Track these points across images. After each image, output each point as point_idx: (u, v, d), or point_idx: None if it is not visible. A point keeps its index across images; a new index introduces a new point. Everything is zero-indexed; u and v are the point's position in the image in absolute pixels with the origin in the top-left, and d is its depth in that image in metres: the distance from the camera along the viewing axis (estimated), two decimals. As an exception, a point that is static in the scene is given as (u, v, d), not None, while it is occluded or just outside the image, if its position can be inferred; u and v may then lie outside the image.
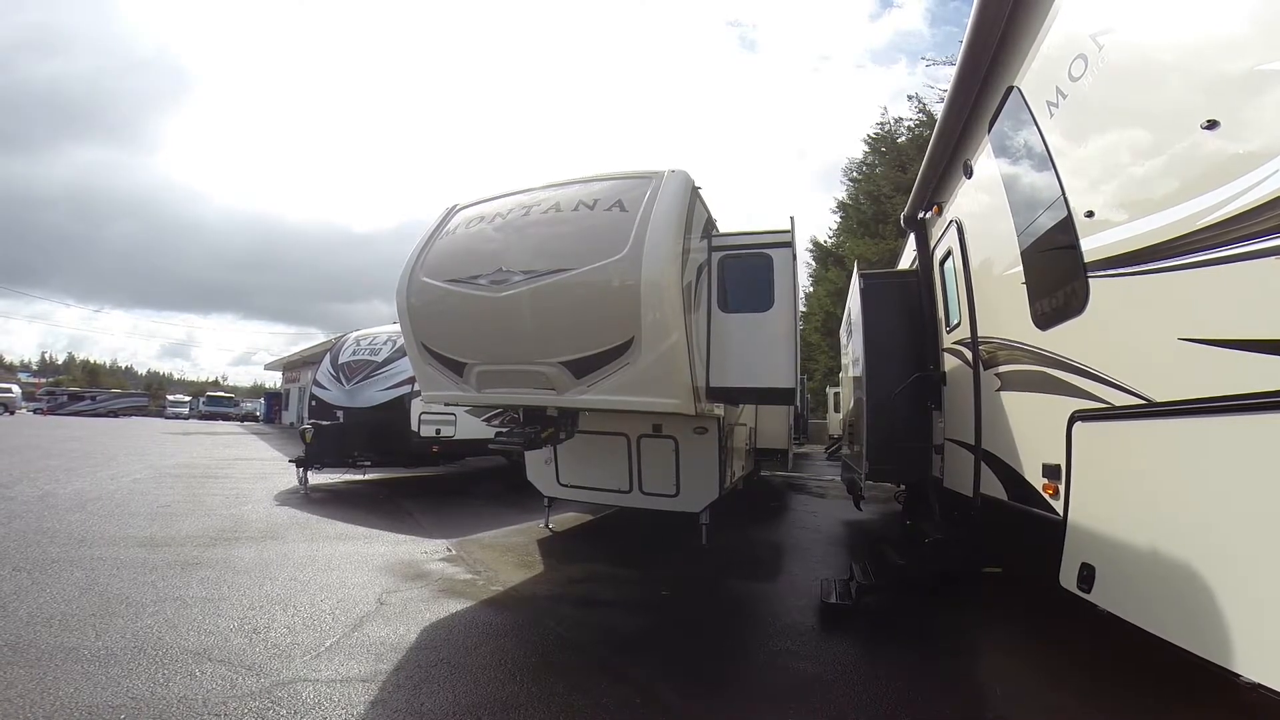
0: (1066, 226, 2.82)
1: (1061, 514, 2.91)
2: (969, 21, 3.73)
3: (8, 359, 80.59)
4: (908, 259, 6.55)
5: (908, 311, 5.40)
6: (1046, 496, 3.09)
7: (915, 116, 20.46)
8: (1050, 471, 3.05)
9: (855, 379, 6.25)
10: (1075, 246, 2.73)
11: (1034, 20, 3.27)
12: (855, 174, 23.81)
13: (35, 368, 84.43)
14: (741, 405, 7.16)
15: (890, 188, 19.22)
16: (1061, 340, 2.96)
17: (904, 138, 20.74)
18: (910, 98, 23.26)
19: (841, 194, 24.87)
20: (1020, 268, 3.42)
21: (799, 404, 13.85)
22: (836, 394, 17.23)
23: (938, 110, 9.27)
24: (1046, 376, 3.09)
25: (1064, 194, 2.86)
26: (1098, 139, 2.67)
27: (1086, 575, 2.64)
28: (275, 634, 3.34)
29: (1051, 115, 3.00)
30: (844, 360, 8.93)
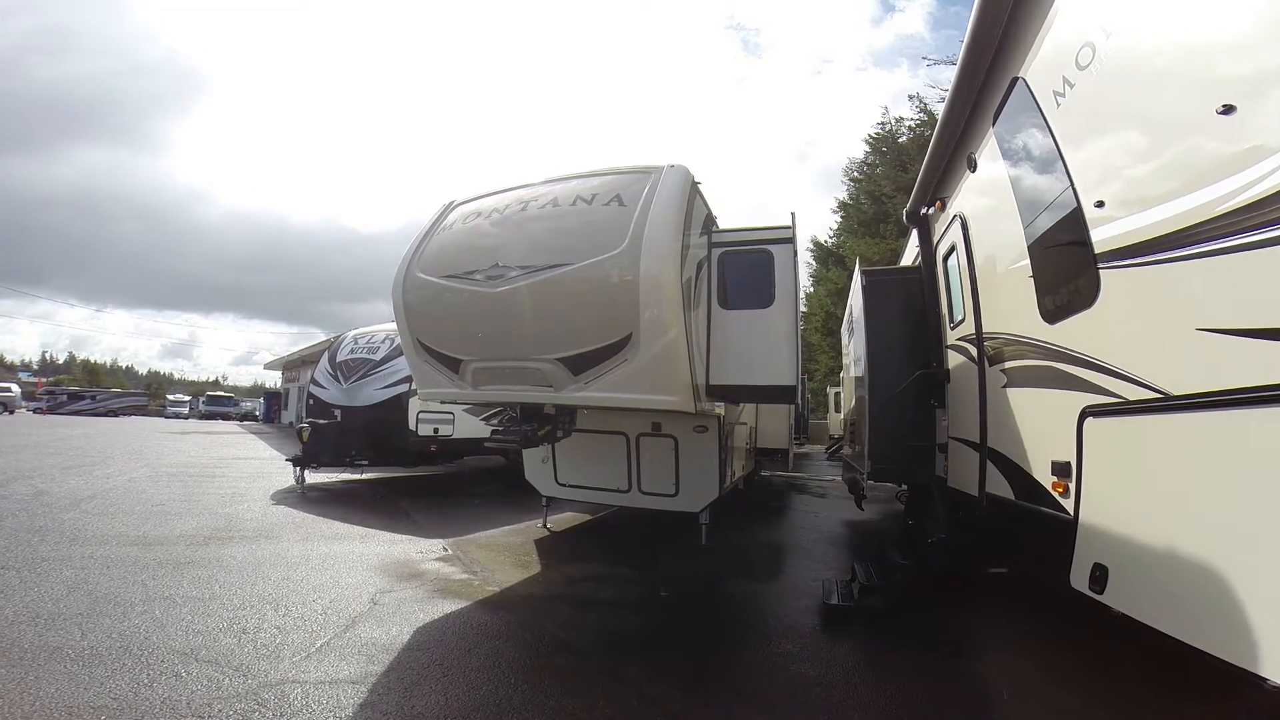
0: (1075, 218, 2.75)
1: (1072, 513, 2.83)
2: (972, 13, 3.67)
3: (9, 358, 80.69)
4: (910, 256, 6.47)
5: (910, 308, 5.33)
6: (1056, 495, 3.02)
7: (916, 116, 20.39)
8: (1060, 469, 2.98)
9: (857, 378, 6.18)
10: (1085, 238, 2.66)
11: (1039, 10, 3.20)
12: (856, 174, 23.71)
13: (35, 367, 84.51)
14: (742, 404, 7.09)
15: (891, 187, 19.15)
16: (1071, 334, 2.88)
17: (905, 137, 20.65)
18: (911, 97, 23.20)
19: (842, 194, 24.78)
20: (1027, 261, 3.34)
21: (800, 403, 13.80)
22: (837, 394, 17.16)
23: (939, 109, 9.22)
24: (1055, 371, 3.01)
25: (1072, 185, 2.78)
26: (1107, 129, 2.60)
27: (1099, 576, 2.56)
28: (265, 634, 3.27)
29: (1058, 105, 2.93)
30: (845, 359, 8.85)
